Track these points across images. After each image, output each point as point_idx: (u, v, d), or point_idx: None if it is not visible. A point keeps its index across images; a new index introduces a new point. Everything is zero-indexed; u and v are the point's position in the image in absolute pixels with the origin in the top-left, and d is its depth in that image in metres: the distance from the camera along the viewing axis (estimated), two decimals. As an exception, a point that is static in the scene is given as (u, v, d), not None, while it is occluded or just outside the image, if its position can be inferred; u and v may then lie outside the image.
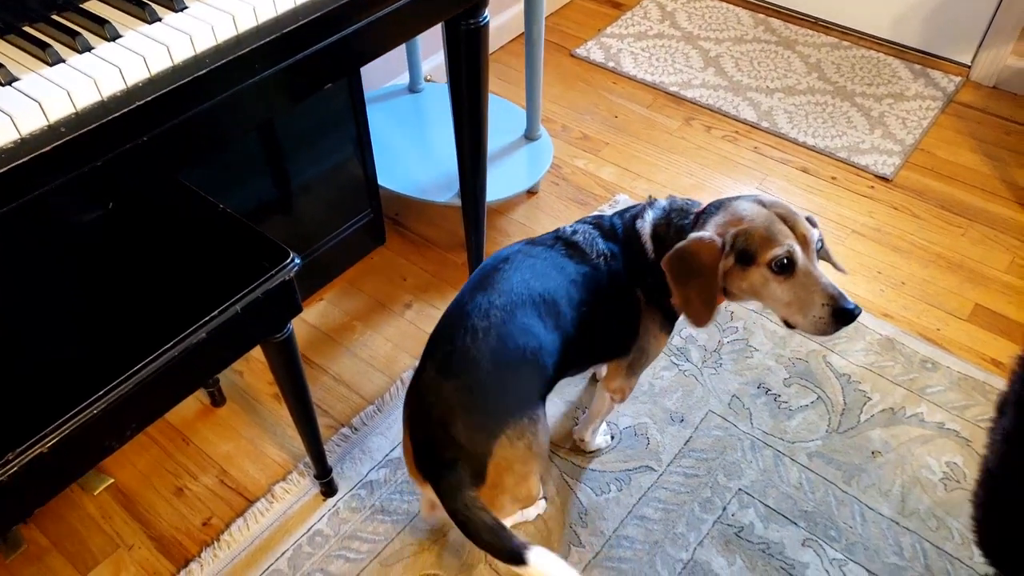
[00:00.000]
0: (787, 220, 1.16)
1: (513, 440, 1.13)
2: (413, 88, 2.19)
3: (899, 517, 1.49)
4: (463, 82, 1.37)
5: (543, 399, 1.21)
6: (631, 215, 1.30)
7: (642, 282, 1.28)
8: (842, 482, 1.54)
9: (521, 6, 2.31)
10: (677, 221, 1.25)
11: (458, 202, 1.84)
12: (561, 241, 1.30)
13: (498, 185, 1.94)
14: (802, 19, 2.80)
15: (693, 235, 1.17)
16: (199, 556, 1.44)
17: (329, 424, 1.65)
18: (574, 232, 1.30)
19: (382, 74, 2.28)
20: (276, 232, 1.69)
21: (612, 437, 1.61)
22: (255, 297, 1.06)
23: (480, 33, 1.30)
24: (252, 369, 1.75)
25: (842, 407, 1.67)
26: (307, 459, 1.57)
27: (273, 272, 1.08)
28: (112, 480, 1.53)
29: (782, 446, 1.60)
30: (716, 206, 1.22)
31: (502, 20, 2.63)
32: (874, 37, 2.69)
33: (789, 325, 1.19)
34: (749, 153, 2.30)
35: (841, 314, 1.12)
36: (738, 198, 1.21)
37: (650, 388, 1.70)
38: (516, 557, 1.04)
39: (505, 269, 1.23)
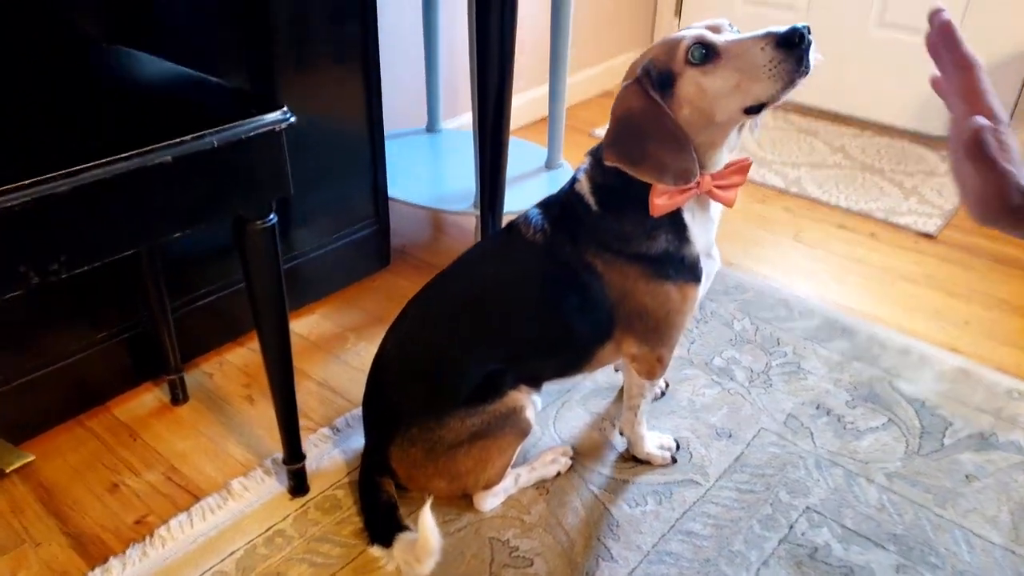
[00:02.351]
0: (689, 27, 1.01)
1: (405, 446, 1.12)
2: (431, 129, 2.13)
3: (1013, 545, 1.18)
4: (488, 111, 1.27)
5: (471, 404, 1.10)
6: (569, 180, 1.14)
7: (596, 241, 1.07)
8: (935, 505, 1.24)
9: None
10: (595, 151, 1.09)
11: (473, 212, 1.70)
12: (506, 230, 1.16)
13: (516, 201, 1.80)
14: (822, 114, 2.81)
15: (615, 99, 1.01)
16: (123, 554, 1.13)
17: (308, 426, 1.38)
18: (523, 217, 1.15)
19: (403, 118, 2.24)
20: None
21: (674, 454, 1.32)
22: (235, 135, 0.88)
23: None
24: (225, 372, 1.51)
25: (919, 430, 1.40)
26: (276, 456, 1.29)
27: (259, 115, 0.91)
28: (32, 458, 1.25)
29: (854, 466, 1.32)
30: None
31: (525, 99, 2.63)
32: (896, 128, 2.67)
33: (755, 110, 0.96)
34: (780, 212, 2.17)
35: (787, 39, 0.88)
36: None
37: (690, 404, 1.44)
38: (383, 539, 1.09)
39: (455, 269, 1.19)
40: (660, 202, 1.03)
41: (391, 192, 1.77)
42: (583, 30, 2.70)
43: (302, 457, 1.21)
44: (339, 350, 1.58)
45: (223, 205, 0.92)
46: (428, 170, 1.94)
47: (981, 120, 0.65)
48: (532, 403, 1.15)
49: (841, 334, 1.65)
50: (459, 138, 2.13)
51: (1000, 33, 2.40)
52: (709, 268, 1.15)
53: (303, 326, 1.64)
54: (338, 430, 1.37)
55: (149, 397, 1.43)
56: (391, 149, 1.99)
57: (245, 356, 1.54)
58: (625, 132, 1.00)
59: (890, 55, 2.60)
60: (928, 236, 2.07)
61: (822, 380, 1.52)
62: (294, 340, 1.59)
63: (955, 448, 1.36)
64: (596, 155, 1.09)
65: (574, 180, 1.12)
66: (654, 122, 0.97)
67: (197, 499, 1.23)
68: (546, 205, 1.15)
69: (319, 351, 1.57)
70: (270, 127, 0.91)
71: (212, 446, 1.34)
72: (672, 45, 0.97)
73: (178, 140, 0.83)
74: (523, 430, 1.14)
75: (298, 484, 1.23)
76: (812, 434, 1.38)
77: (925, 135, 2.62)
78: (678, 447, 1.33)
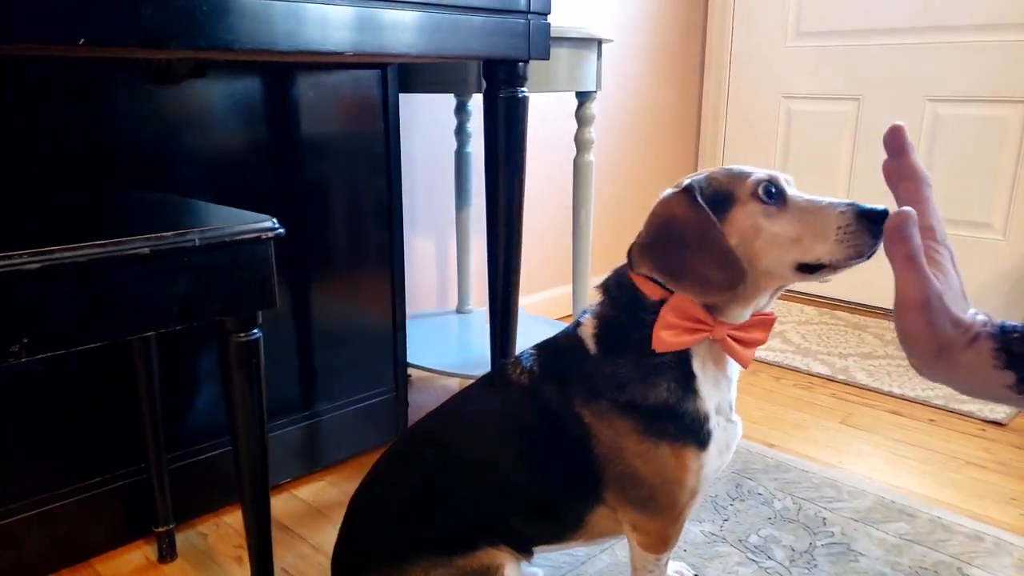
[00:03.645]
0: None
1: None
2: (460, 310, 2.18)
3: None
4: (500, 151, 1.34)
5: (438, 554, 0.98)
6: (572, 323, 1.05)
7: (586, 387, 0.96)
8: None
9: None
10: (621, 292, 0.97)
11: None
12: (495, 371, 1.09)
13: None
14: (871, 310, 2.74)
15: (654, 208, 0.95)
16: None
17: (292, 589, 1.26)
18: (516, 357, 1.07)
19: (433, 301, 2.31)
20: (289, 377, 1.57)
21: None
22: (218, 236, 0.91)
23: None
24: (220, 533, 1.42)
25: (999, 622, 1.18)
26: (251, 619, 1.17)
27: (248, 222, 0.94)
28: (-6, 604, 1.16)
29: (918, 658, 1.10)
30: None
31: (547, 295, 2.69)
32: (950, 322, 2.57)
33: (810, 270, 0.88)
34: (826, 398, 2.05)
35: (871, 214, 0.84)
36: None
37: (719, 583, 1.27)
38: None
39: (438, 410, 1.09)
40: (665, 336, 0.92)
41: (413, 360, 1.77)
42: (604, 233, 2.80)
43: (273, 611, 1.10)
44: (340, 518, 1.48)
45: (202, 309, 0.93)
46: (451, 343, 1.96)
47: (908, 209, 0.61)
48: (516, 567, 1.01)
49: (898, 516, 1.46)
50: (486, 319, 2.17)
51: None
52: (728, 435, 1.00)
53: (308, 492, 1.57)
54: (323, 595, 1.25)
55: (137, 554, 1.35)
56: (420, 327, 2.04)
57: (225, 526, 1.46)
58: (664, 240, 0.92)
59: (933, 251, 2.58)
60: (997, 424, 1.89)
61: (877, 563, 1.32)
62: (297, 505, 1.53)
63: (1045, 644, 1.13)
64: (609, 285, 1.00)
65: (577, 323, 1.03)
66: (701, 234, 0.89)
67: None
68: (541, 346, 1.06)
69: (321, 517, 1.48)
70: (256, 234, 0.94)
71: (187, 606, 1.23)
72: (739, 174, 0.93)
73: (158, 235, 0.86)
74: None
75: None
76: (865, 621, 1.18)
77: (984, 329, 2.51)
78: None
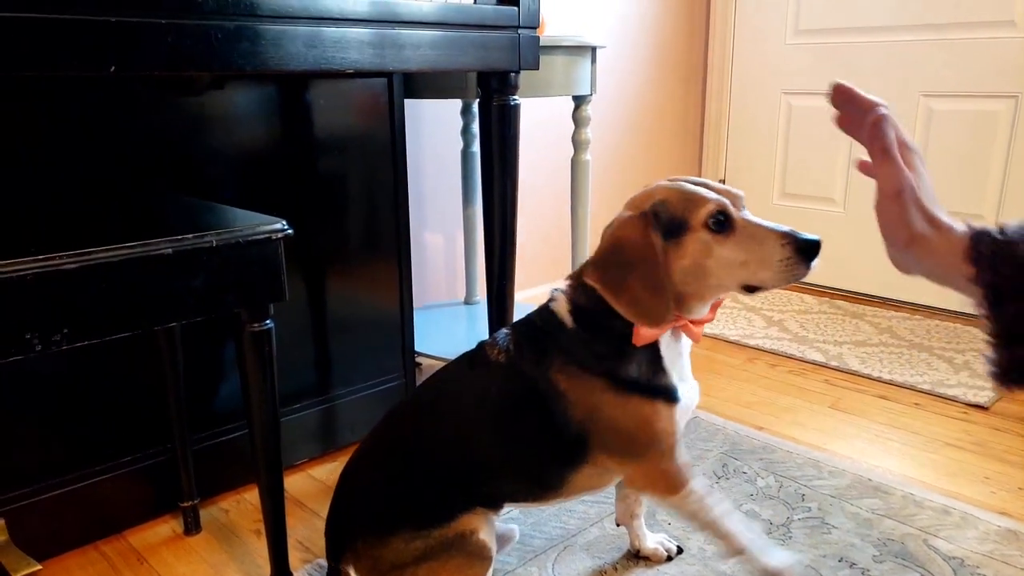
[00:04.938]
0: (704, 185, 1.06)
1: (353, 562, 1.11)
2: (468, 301, 2.29)
3: None
4: (494, 153, 1.44)
5: (419, 525, 1.07)
6: (545, 302, 1.15)
7: (562, 356, 1.07)
8: (969, 664, 1.10)
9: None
10: (588, 287, 1.08)
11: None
12: (474, 350, 1.18)
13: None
14: (869, 299, 2.82)
15: (611, 225, 1.07)
16: (99, 663, 1.13)
17: (306, 557, 1.39)
18: (492, 337, 1.17)
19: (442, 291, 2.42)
20: (305, 364, 1.69)
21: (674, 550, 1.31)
22: (234, 237, 1.03)
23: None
24: (241, 509, 1.55)
25: (957, 587, 1.27)
26: (268, 582, 1.29)
27: (260, 224, 1.06)
28: (39, 567, 1.29)
29: (876, 619, 1.20)
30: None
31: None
32: (948, 310, 2.64)
33: (751, 290, 1.03)
34: (819, 383, 2.14)
35: (806, 246, 0.97)
36: None
37: (700, 552, 1.37)
38: None
39: (424, 385, 1.20)
40: (645, 332, 1.04)
41: (421, 348, 1.89)
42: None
43: (289, 574, 1.22)
44: (353, 493, 1.61)
45: (218, 302, 1.04)
46: (458, 331, 2.07)
47: (883, 111, 0.71)
48: (489, 525, 1.11)
49: (873, 493, 1.55)
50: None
51: None
52: (689, 395, 1.13)
53: (323, 471, 1.69)
54: (334, 562, 1.37)
55: (165, 527, 1.49)
56: (429, 316, 2.16)
57: (243, 504, 1.59)
58: (613, 258, 1.04)
59: (930, 241, 2.64)
60: (979, 407, 1.97)
61: (848, 534, 1.41)
62: (312, 483, 1.65)
63: (997, 607, 1.22)
64: (578, 277, 1.11)
65: (550, 300, 1.13)
66: (643, 262, 1.01)
67: None
68: (515, 325, 1.16)
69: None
70: (267, 235, 1.06)
71: (213, 572, 1.35)
72: (694, 200, 1.02)
73: (180, 237, 0.98)
74: (474, 554, 1.07)
75: None
76: (831, 586, 1.28)
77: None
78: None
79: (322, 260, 1.68)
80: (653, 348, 1.08)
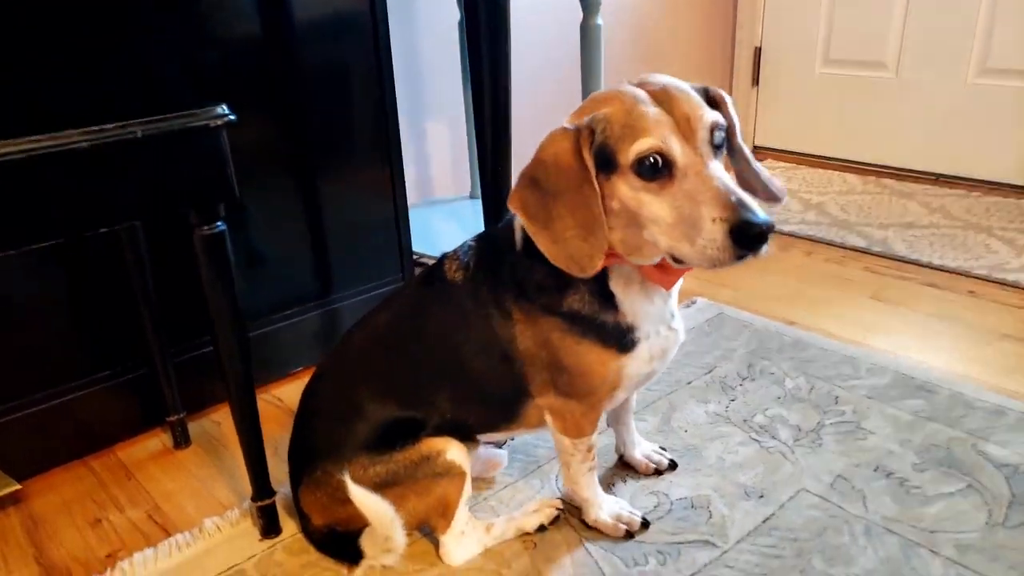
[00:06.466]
0: (662, 99, 0.81)
1: (312, 489, 1.03)
2: (474, 195, 2.14)
3: None
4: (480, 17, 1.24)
5: (377, 450, 0.99)
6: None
7: (515, 285, 0.94)
8: (1020, 586, 0.98)
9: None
10: None
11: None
12: (435, 265, 1.04)
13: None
14: (920, 176, 2.57)
15: (544, 138, 0.85)
16: (79, 586, 1.08)
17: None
18: (454, 250, 1.03)
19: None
20: (300, 269, 1.58)
21: (634, 531, 1.10)
22: (161, 128, 0.87)
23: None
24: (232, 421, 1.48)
25: (1008, 498, 1.14)
26: (256, 498, 1.22)
27: (195, 112, 0.90)
28: (18, 486, 1.24)
29: (915, 534, 1.08)
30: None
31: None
32: (1009, 184, 2.40)
33: (677, 261, 0.83)
34: (858, 272, 1.96)
35: (742, 232, 0.73)
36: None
37: (718, 462, 1.26)
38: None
39: (386, 302, 1.09)
40: (544, 249, 0.86)
41: (421, 248, 1.76)
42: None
43: (271, 493, 1.14)
44: (351, 402, 1.52)
45: (154, 203, 0.91)
46: (460, 230, 1.92)
47: None
48: (457, 448, 1.01)
49: (916, 393, 1.41)
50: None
51: None
52: (667, 343, 0.98)
53: (322, 379, 1.61)
54: (326, 476, 1.29)
55: (154, 442, 1.42)
56: (433, 214, 2.01)
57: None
58: (538, 180, 0.84)
59: (994, 105, 2.37)
60: (1041, 293, 1.78)
61: (886, 440, 1.28)
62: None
63: (1054, 520, 1.09)
64: None
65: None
66: (571, 191, 0.82)
67: (166, 537, 1.17)
68: (481, 237, 1.03)
69: (332, 403, 1.52)
70: (204, 123, 0.90)
71: (200, 487, 1.29)
72: (630, 128, 0.79)
73: (99, 128, 0.84)
74: (442, 473, 0.98)
75: (268, 523, 1.15)
76: (865, 497, 1.15)
77: (1042, 192, 2.33)
78: (645, 525, 1.11)
79: (306, 162, 1.53)
80: (601, 284, 0.92)
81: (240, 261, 1.50)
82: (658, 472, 1.24)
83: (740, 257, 0.76)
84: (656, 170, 0.79)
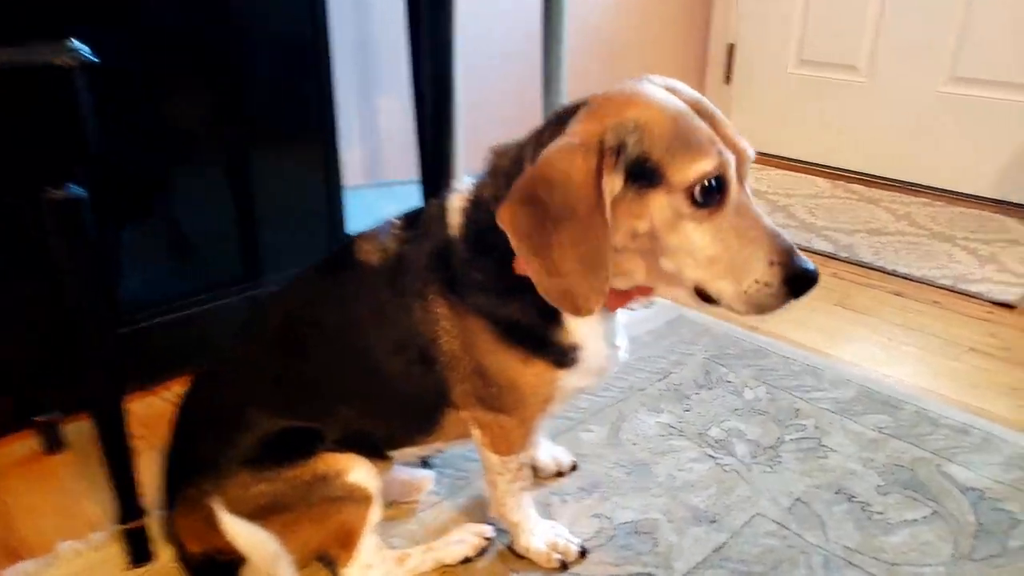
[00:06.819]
0: (707, 115, 0.72)
1: (186, 512, 0.88)
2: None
3: None
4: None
5: (261, 465, 0.85)
6: (444, 194, 0.87)
7: (443, 275, 0.82)
8: (988, 628, 0.90)
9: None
10: (507, 164, 0.80)
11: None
12: (337, 254, 0.92)
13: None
14: (887, 183, 2.51)
15: (548, 149, 0.72)
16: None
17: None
18: (372, 229, 0.90)
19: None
20: (230, 250, 1.45)
21: (568, 561, 0.99)
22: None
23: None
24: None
25: (975, 527, 1.05)
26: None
27: (36, 47, 0.75)
28: None
29: (876, 567, 0.99)
30: (580, 104, 0.76)
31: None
32: (974, 196, 2.34)
33: (705, 297, 0.74)
34: (825, 277, 1.88)
35: (798, 279, 0.70)
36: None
37: (668, 480, 1.15)
38: None
39: (282, 290, 0.95)
40: (533, 277, 0.76)
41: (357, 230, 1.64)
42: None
43: (140, 513, 0.99)
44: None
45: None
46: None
47: None
48: (361, 466, 0.88)
49: (881, 408, 1.32)
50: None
51: None
52: (608, 362, 0.88)
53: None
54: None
55: (21, 445, 1.25)
56: (378, 196, 1.89)
57: (154, 406, 1.36)
58: (541, 201, 0.71)
59: (964, 115, 2.31)
60: (1007, 306, 1.71)
61: (848, 459, 1.20)
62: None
63: (1022, 553, 1.01)
64: (499, 169, 0.82)
65: (452, 191, 0.86)
66: (579, 219, 0.69)
67: (17, 562, 1.02)
68: (406, 216, 0.90)
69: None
70: (48, 61, 0.74)
71: (68, 503, 1.14)
72: (690, 145, 0.69)
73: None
74: (344, 497, 0.86)
75: (137, 549, 1.00)
76: (824, 524, 1.06)
77: (1009, 203, 2.28)
78: (583, 554, 1.00)
79: (234, 137, 1.39)
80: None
81: (156, 240, 1.37)
82: (559, 474, 1.16)
83: (785, 303, 0.71)
84: (708, 197, 0.70)
